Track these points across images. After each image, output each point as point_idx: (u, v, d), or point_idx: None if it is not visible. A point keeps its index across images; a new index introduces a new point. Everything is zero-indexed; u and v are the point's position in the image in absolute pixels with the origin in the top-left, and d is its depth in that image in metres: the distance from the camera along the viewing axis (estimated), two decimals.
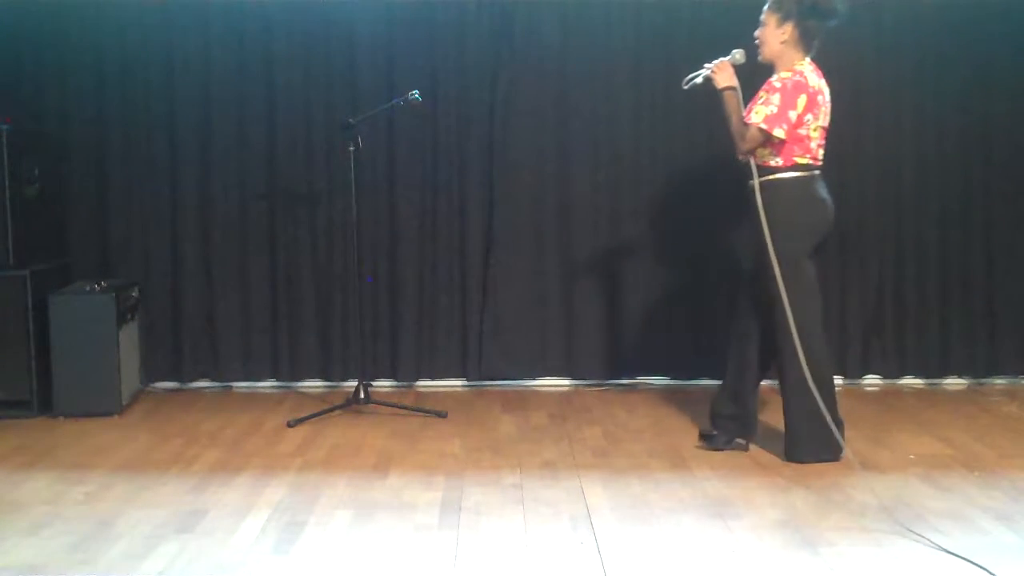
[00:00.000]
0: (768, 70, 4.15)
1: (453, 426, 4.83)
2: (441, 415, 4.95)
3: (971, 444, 4.44)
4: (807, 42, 4.08)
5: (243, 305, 5.58)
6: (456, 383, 5.67)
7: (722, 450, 4.29)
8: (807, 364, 3.96)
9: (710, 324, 5.44)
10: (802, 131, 4.03)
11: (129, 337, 5.21)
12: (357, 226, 5.02)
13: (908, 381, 5.65)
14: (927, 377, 5.63)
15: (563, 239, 5.61)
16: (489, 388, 5.64)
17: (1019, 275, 5.60)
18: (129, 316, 5.22)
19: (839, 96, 5.37)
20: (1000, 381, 5.62)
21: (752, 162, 4.07)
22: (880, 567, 3.14)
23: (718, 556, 3.23)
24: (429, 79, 5.42)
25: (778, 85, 4.03)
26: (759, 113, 4.01)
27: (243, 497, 3.81)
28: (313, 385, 5.64)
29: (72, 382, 4.97)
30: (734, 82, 4.10)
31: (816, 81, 4.06)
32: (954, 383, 5.64)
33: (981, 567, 3.08)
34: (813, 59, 4.11)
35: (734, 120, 4.08)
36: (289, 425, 4.79)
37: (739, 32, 4.23)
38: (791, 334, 3.97)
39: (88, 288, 5.09)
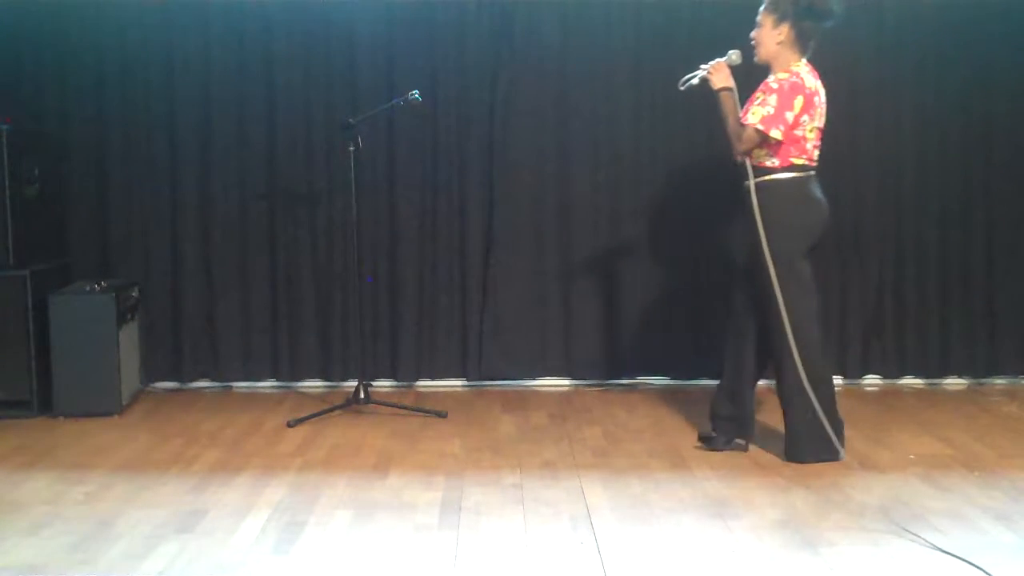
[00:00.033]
0: (764, 71, 4.15)
1: (453, 426, 4.83)
2: (441, 415, 4.95)
3: (971, 444, 4.44)
4: (803, 43, 4.08)
5: (243, 305, 5.58)
6: (456, 383, 5.67)
7: (721, 451, 4.29)
8: (802, 365, 3.96)
9: (710, 324, 5.44)
10: (798, 132, 4.03)
11: (129, 337, 5.21)
12: (357, 226, 5.02)
13: (908, 381, 5.65)
14: (927, 377, 5.63)
15: (563, 239, 5.61)
16: (489, 388, 5.64)
17: (1019, 275, 5.60)
18: (129, 316, 5.22)
19: (839, 96, 5.38)
20: (1000, 381, 5.62)
21: (748, 163, 4.07)
22: (880, 567, 3.14)
23: (718, 556, 3.23)
24: (429, 79, 5.42)
25: (775, 86, 4.04)
26: (756, 114, 4.02)
27: (243, 497, 3.81)
28: (313, 385, 5.64)
29: (72, 382, 4.97)
30: (730, 83, 4.10)
31: (813, 82, 4.06)
32: (954, 383, 5.64)
33: (977, 567, 3.08)
34: (809, 60, 4.11)
35: (731, 121, 4.08)
36: (289, 425, 4.79)
37: (739, 32, 4.22)
38: (786, 335, 3.98)
39: (88, 288, 5.09)
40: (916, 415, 4.99)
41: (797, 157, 4.06)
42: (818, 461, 4.05)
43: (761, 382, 4.40)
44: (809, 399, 3.94)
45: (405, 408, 5.03)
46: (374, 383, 5.39)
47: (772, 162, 4.07)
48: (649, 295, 5.59)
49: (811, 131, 4.07)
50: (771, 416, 4.52)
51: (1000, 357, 5.61)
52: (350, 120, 4.89)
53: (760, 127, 3.99)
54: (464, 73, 5.53)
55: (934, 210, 5.59)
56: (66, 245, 5.49)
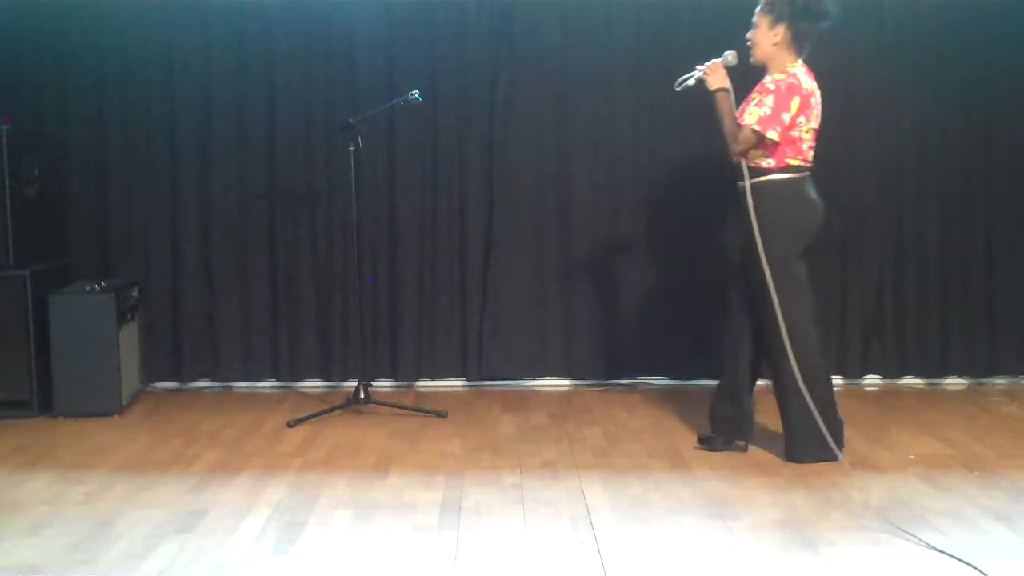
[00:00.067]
0: (760, 72, 4.15)
1: (453, 426, 4.83)
2: (441, 415, 4.95)
3: (971, 444, 4.44)
4: (799, 44, 4.08)
5: (243, 305, 5.58)
6: (456, 383, 5.67)
7: (721, 451, 4.29)
8: (797, 366, 3.96)
9: (710, 324, 5.43)
10: (794, 133, 4.03)
11: (129, 337, 5.21)
12: (357, 226, 5.02)
13: (908, 381, 5.65)
14: (927, 377, 5.63)
15: (563, 239, 5.61)
16: (489, 388, 5.64)
17: (1019, 275, 5.60)
18: (129, 316, 5.22)
19: (840, 97, 5.41)
20: (1000, 381, 5.62)
21: (743, 163, 4.08)
22: (880, 567, 3.14)
23: (718, 556, 3.23)
24: (429, 79, 5.42)
25: (772, 87, 4.04)
26: (752, 115, 4.02)
27: (243, 497, 3.81)
28: (313, 385, 5.64)
29: (72, 382, 4.97)
30: (726, 84, 4.10)
31: (809, 83, 4.07)
32: (954, 383, 5.64)
33: (972, 566, 3.08)
34: (806, 61, 4.11)
35: (727, 121, 4.08)
36: (289, 425, 4.79)
37: (738, 32, 4.22)
38: (781, 336, 3.98)
39: (88, 288, 5.09)
40: (916, 415, 4.99)
41: (793, 158, 4.07)
42: (817, 461, 4.05)
43: (760, 382, 4.40)
44: (804, 400, 3.94)
45: (405, 408, 5.03)
46: (374, 383, 5.39)
47: (768, 163, 4.07)
48: (649, 295, 5.59)
49: (807, 132, 4.07)
50: (771, 416, 4.51)
51: (1000, 357, 5.61)
52: (350, 120, 4.89)
53: (757, 127, 4.00)
54: (464, 73, 5.53)
55: (934, 210, 5.59)
56: (66, 245, 5.49)
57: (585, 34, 5.52)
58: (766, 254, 3.99)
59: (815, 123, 4.10)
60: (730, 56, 4.14)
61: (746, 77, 4.19)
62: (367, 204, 5.36)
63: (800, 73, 4.06)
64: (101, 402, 5.00)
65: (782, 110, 3.99)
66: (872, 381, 5.66)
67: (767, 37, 4.08)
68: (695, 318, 5.54)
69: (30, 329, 4.96)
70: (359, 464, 4.23)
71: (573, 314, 5.63)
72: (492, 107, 5.54)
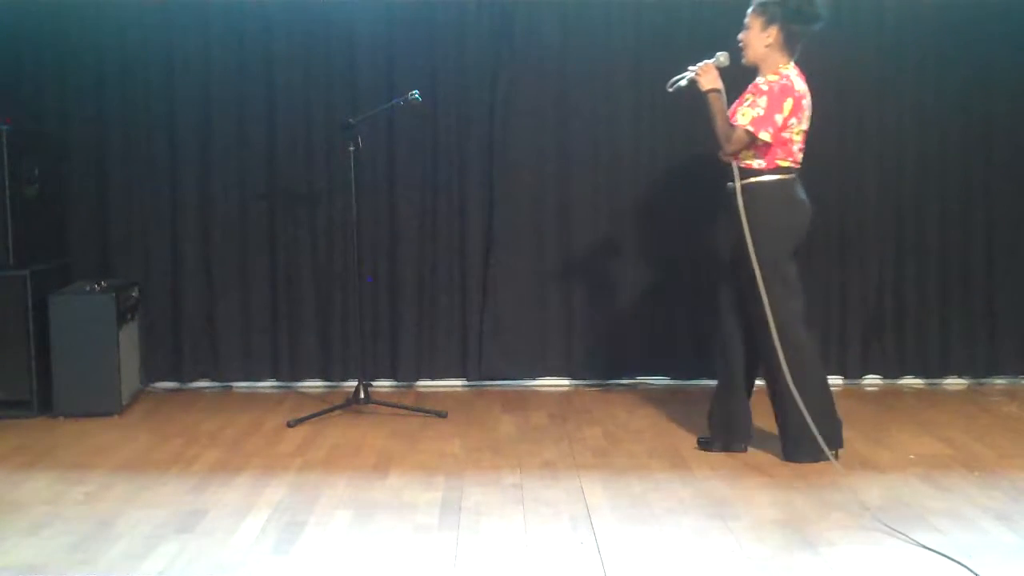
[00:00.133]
0: (751, 72, 4.16)
1: (453, 426, 4.83)
2: (441, 415, 4.95)
3: (971, 444, 4.44)
4: (791, 46, 4.09)
5: (243, 305, 5.58)
6: (456, 383, 5.67)
7: (720, 452, 4.29)
8: (788, 367, 3.97)
9: (710, 324, 5.42)
10: (786, 134, 4.04)
11: (129, 337, 5.21)
12: (357, 226, 5.03)
13: (908, 381, 5.65)
14: (927, 377, 5.63)
15: (563, 239, 5.61)
16: (489, 388, 5.64)
17: (1019, 275, 5.60)
18: (129, 316, 5.22)
19: (840, 97, 5.44)
20: (1000, 381, 5.62)
21: (734, 164, 4.08)
22: (880, 566, 3.14)
23: (718, 556, 3.23)
24: (429, 79, 5.42)
25: (765, 88, 4.05)
26: (745, 115, 4.03)
27: (243, 497, 3.81)
28: (313, 385, 5.64)
29: (72, 382, 4.97)
30: (719, 84, 4.10)
31: (801, 85, 4.08)
32: (954, 383, 5.64)
33: (965, 566, 3.08)
34: (796, 62, 4.12)
35: (719, 122, 4.08)
36: (289, 425, 4.79)
37: (739, 33, 4.22)
38: (772, 337, 3.98)
39: (88, 288, 5.09)
40: (916, 415, 4.99)
41: (783, 159, 4.08)
42: (816, 461, 4.04)
43: (759, 382, 4.39)
44: (795, 401, 3.95)
45: (405, 408, 5.03)
46: (374, 383, 5.39)
47: (759, 163, 4.08)
48: (649, 295, 5.59)
49: (797, 134, 4.09)
50: (770, 417, 4.50)
51: (1000, 357, 5.61)
52: (350, 120, 4.89)
53: (750, 128, 4.01)
54: (464, 73, 5.53)
55: (934, 210, 5.59)
56: (66, 245, 5.49)
57: (585, 34, 5.52)
58: (756, 255, 4.00)
59: (805, 125, 4.11)
60: (722, 57, 4.15)
61: (737, 78, 4.19)
62: (367, 204, 5.36)
63: (793, 75, 4.08)
64: (101, 402, 5.00)
65: (775, 111, 4.00)
66: (872, 381, 5.66)
67: (759, 39, 4.09)
68: (695, 318, 5.54)
69: (30, 329, 4.96)
70: (359, 464, 4.23)
71: (573, 314, 5.63)
72: (492, 107, 5.54)
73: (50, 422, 4.94)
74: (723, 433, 4.32)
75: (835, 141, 5.50)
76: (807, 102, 4.09)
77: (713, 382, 4.54)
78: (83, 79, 5.48)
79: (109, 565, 3.18)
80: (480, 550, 3.29)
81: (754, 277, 4.01)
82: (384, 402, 5.06)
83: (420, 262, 5.59)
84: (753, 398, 4.36)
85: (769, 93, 4.02)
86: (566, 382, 5.69)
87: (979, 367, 5.61)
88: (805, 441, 4.03)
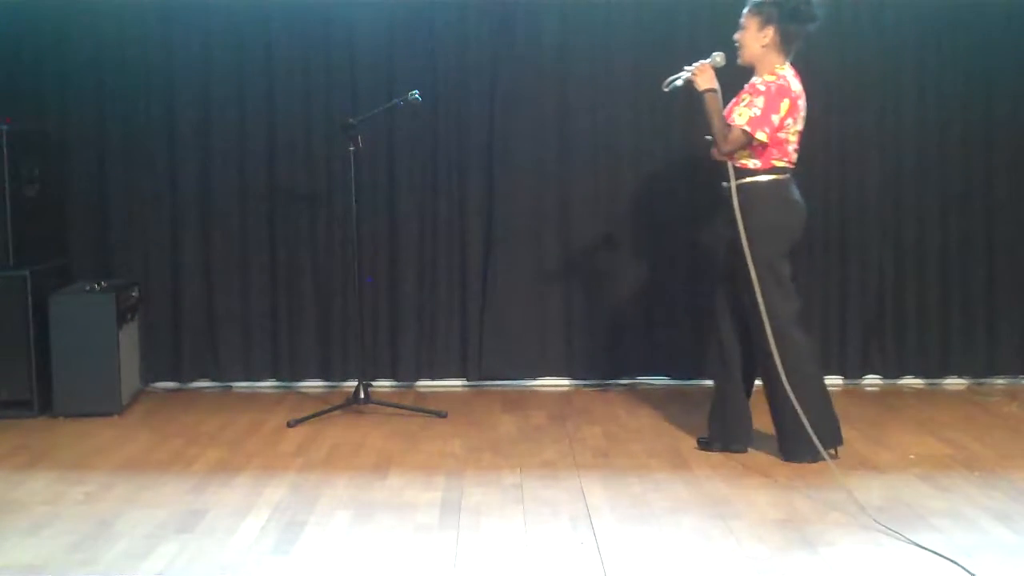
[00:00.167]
0: (747, 72, 4.16)
1: (453, 426, 4.83)
2: (441, 415, 4.95)
3: (971, 444, 4.44)
4: (788, 46, 4.10)
5: (243, 305, 5.58)
6: (456, 383, 5.67)
7: (720, 452, 4.29)
8: (783, 367, 3.97)
9: (709, 324, 5.43)
10: (782, 135, 4.05)
11: (129, 337, 5.21)
12: (357, 226, 5.03)
13: (908, 381, 5.65)
14: (927, 377, 5.63)
15: (563, 239, 5.61)
16: (489, 388, 5.63)
17: (1019, 275, 5.59)
18: (129, 316, 5.22)
19: (840, 96, 5.44)
20: (1000, 381, 5.62)
21: (729, 164, 4.08)
22: (879, 566, 3.14)
23: (718, 556, 3.23)
24: (429, 79, 5.41)
25: (762, 88, 4.05)
26: (742, 115, 4.03)
27: (243, 497, 3.81)
28: (313, 385, 5.64)
29: (72, 382, 4.97)
30: (714, 84, 4.10)
31: (797, 86, 4.10)
32: (954, 383, 5.63)
33: (961, 566, 3.08)
34: (792, 63, 4.13)
35: (716, 122, 4.08)
36: (289, 425, 4.79)
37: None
38: (767, 338, 3.99)
39: (88, 288, 5.09)
40: (916, 415, 4.99)
41: (778, 159, 4.09)
42: (814, 461, 4.04)
43: (757, 382, 4.39)
44: (791, 401, 3.95)
45: (405, 408, 5.03)
46: (374, 383, 5.39)
47: (754, 163, 4.08)
48: (649, 295, 5.58)
49: (793, 134, 4.10)
50: (769, 417, 4.51)
51: (1000, 357, 5.61)
52: (350, 120, 4.89)
53: (747, 128, 4.01)
54: (464, 73, 5.53)
55: (934, 210, 5.58)
56: (66, 245, 5.49)
57: (585, 34, 5.52)
58: (752, 256, 4.00)
59: (800, 125, 4.13)
60: (718, 57, 4.14)
61: (733, 78, 4.19)
62: (367, 204, 5.36)
63: (789, 75, 4.09)
64: (101, 402, 5.00)
65: (772, 112, 4.01)
66: (872, 381, 5.66)
67: (756, 39, 4.10)
68: (695, 318, 5.53)
69: (30, 329, 4.96)
70: (359, 464, 4.23)
71: (573, 314, 5.63)
72: (492, 107, 5.54)
73: (50, 422, 4.94)
74: (723, 433, 4.32)
75: (835, 141, 5.50)
76: (803, 103, 4.11)
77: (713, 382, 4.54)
78: (83, 79, 5.48)
79: (109, 565, 3.19)
80: (480, 550, 3.29)
81: (749, 277, 4.01)
82: (384, 402, 5.06)
83: (420, 262, 5.59)
84: (752, 398, 4.36)
85: (766, 93, 4.03)
86: (566, 382, 5.69)
87: (979, 367, 5.61)
88: (803, 441, 4.03)
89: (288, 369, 5.60)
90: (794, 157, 4.14)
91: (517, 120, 5.54)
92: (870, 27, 5.49)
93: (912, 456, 4.27)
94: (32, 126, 5.29)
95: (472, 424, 4.88)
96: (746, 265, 4.01)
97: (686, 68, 4.16)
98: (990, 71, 5.52)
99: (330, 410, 4.97)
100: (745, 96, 4.11)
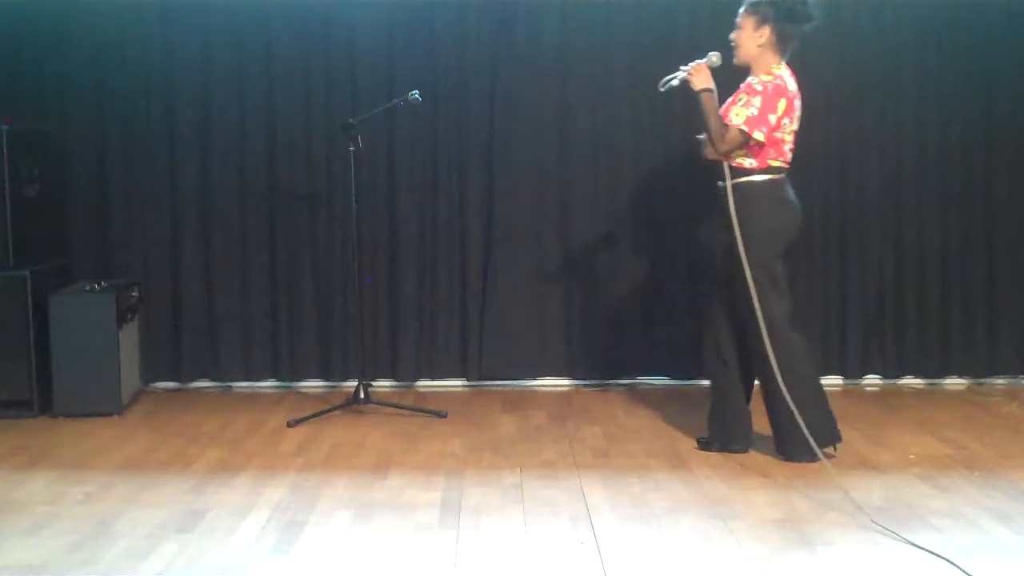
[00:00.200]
0: (743, 72, 4.16)
1: (453, 426, 4.83)
2: (441, 415, 4.95)
3: (971, 444, 4.44)
4: (784, 46, 4.11)
5: (243, 305, 5.57)
6: (456, 383, 5.67)
7: (719, 452, 4.29)
8: (778, 367, 3.97)
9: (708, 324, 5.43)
10: (778, 134, 4.06)
11: (129, 337, 5.21)
12: (357, 226, 5.03)
13: (908, 381, 5.65)
14: (927, 377, 5.63)
15: (563, 239, 5.61)
16: (489, 388, 5.63)
17: (1019, 275, 5.59)
18: (129, 316, 5.22)
19: (840, 96, 5.44)
20: (1000, 381, 5.62)
21: (725, 163, 4.08)
22: (879, 566, 3.14)
23: (718, 556, 3.23)
24: (429, 79, 5.41)
25: (759, 88, 4.05)
26: (740, 115, 4.03)
27: (243, 497, 3.81)
28: (313, 385, 5.64)
29: (72, 382, 4.97)
30: (711, 84, 4.10)
31: (793, 85, 4.11)
32: (954, 383, 5.63)
33: (958, 566, 3.08)
34: (788, 62, 4.13)
35: (712, 121, 4.08)
36: (289, 425, 4.79)
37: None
38: (762, 337, 3.99)
39: (88, 288, 5.09)
40: (916, 415, 4.99)
41: (774, 159, 4.09)
42: (812, 460, 4.03)
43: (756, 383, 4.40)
44: (787, 402, 3.95)
45: (405, 408, 5.03)
46: (374, 383, 5.38)
47: (750, 163, 4.09)
48: (649, 295, 5.58)
49: (789, 134, 4.11)
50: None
51: (1000, 357, 5.60)
52: (350, 120, 4.89)
53: (744, 128, 4.01)
54: (464, 73, 5.53)
55: (934, 210, 5.58)
56: (66, 245, 5.49)
57: (585, 34, 5.52)
58: (747, 256, 4.00)
59: (796, 125, 4.14)
60: (714, 57, 4.14)
61: (728, 78, 4.19)
62: (367, 204, 5.36)
63: (785, 75, 4.10)
64: (101, 402, 4.99)
65: (769, 111, 4.01)
66: (872, 381, 5.66)
67: (752, 38, 4.10)
68: (695, 318, 5.52)
69: (30, 329, 4.96)
70: (359, 464, 4.24)
71: (573, 314, 5.63)
72: (492, 107, 5.54)
73: (50, 422, 4.94)
74: (722, 433, 4.32)
75: (835, 141, 5.50)
76: (798, 102, 4.12)
77: None
78: (83, 79, 5.48)
79: (109, 565, 3.19)
80: (480, 550, 3.29)
81: (745, 277, 4.01)
82: (384, 402, 5.06)
83: (420, 262, 5.59)
84: (752, 400, 4.36)
85: (763, 93, 4.03)
86: (566, 382, 5.69)
87: (979, 367, 5.60)
88: (800, 440, 4.03)
89: (288, 369, 5.61)
90: (789, 157, 4.15)
91: (517, 120, 5.54)
92: (870, 27, 5.50)
93: (912, 456, 4.27)
94: (32, 126, 5.29)
95: (472, 424, 4.88)
96: (741, 265, 4.01)
97: (682, 68, 4.16)
98: (990, 71, 5.53)
99: (330, 410, 4.97)
100: (742, 96, 4.11)
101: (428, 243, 5.59)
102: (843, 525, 3.47)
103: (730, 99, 4.16)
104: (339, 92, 5.50)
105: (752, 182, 4.08)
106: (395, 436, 4.64)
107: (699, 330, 5.44)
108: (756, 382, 4.34)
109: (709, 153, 4.19)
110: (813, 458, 4.01)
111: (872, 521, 3.45)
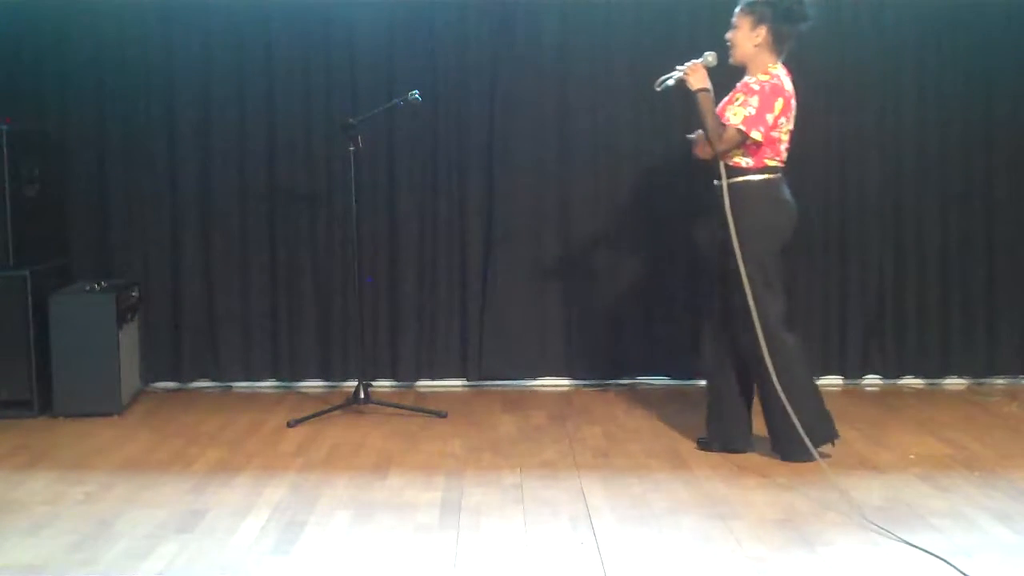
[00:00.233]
0: (739, 72, 4.16)
1: (453, 426, 4.83)
2: (441, 415, 4.95)
3: (971, 444, 4.44)
4: (780, 46, 4.11)
5: (243, 305, 5.58)
6: (456, 383, 5.67)
7: (719, 453, 4.29)
8: (773, 367, 3.97)
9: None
10: (775, 134, 4.06)
11: (129, 337, 5.21)
12: (357, 226, 5.03)
13: (908, 381, 5.65)
14: (927, 377, 5.63)
15: (563, 239, 5.61)
16: (489, 388, 5.63)
17: (1019, 275, 5.59)
18: (129, 316, 5.22)
19: (840, 96, 5.44)
20: (1000, 381, 5.62)
21: (721, 163, 4.08)
22: (878, 566, 3.14)
23: (718, 556, 3.23)
24: (429, 79, 5.41)
25: (756, 87, 4.05)
26: (737, 115, 4.03)
27: (243, 497, 3.81)
28: (313, 385, 5.64)
29: (72, 382, 4.97)
30: (707, 84, 4.10)
31: (789, 85, 4.11)
32: (954, 383, 5.63)
33: (955, 567, 3.08)
34: (784, 62, 4.14)
35: (709, 121, 4.08)
36: (289, 425, 4.79)
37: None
38: (757, 337, 3.99)
39: (88, 288, 5.10)
40: (916, 415, 4.99)
41: (771, 159, 4.09)
42: (812, 460, 4.03)
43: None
44: (783, 402, 3.95)
45: (405, 408, 5.03)
46: (374, 383, 5.39)
47: (747, 162, 4.09)
48: (649, 295, 5.58)
49: (785, 133, 4.12)
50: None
51: (1000, 357, 5.60)
52: (350, 120, 4.89)
53: (742, 127, 4.02)
54: (464, 73, 5.53)
55: (934, 210, 5.58)
56: (66, 245, 5.49)
57: (585, 34, 5.52)
58: (743, 255, 4.00)
59: (792, 125, 4.14)
60: (710, 57, 4.15)
61: (724, 77, 4.19)
62: (367, 204, 5.36)
63: (782, 75, 4.10)
64: (101, 402, 4.99)
65: (766, 111, 4.01)
66: (872, 381, 5.66)
67: (748, 38, 4.11)
68: (695, 318, 5.52)
69: (30, 329, 4.96)
70: (359, 464, 4.24)
71: (573, 314, 5.63)
72: (492, 107, 5.54)
73: (50, 422, 4.94)
74: (721, 433, 4.32)
75: (835, 141, 5.50)
76: (794, 102, 4.12)
77: None
78: (83, 79, 5.48)
79: (109, 565, 3.19)
80: (480, 550, 3.29)
81: (741, 277, 4.01)
82: (384, 402, 5.06)
83: (420, 262, 5.59)
84: (749, 398, 4.36)
85: (760, 92, 4.03)
86: (566, 382, 5.69)
87: (979, 367, 5.60)
88: (797, 440, 4.03)
89: (288, 369, 5.61)
90: (785, 156, 4.15)
91: (517, 120, 5.55)
92: (870, 27, 5.50)
93: (912, 456, 4.27)
94: (32, 126, 5.29)
95: (472, 424, 4.88)
96: (737, 265, 4.01)
97: (678, 68, 4.16)
98: (990, 71, 5.53)
99: (330, 410, 4.97)
100: (739, 95, 4.11)
101: (428, 243, 5.59)
102: (842, 525, 3.47)
103: (726, 99, 4.16)
104: (339, 92, 5.50)
105: (749, 181, 4.08)
106: (395, 436, 4.64)
107: (698, 330, 5.47)
108: (748, 382, 4.35)
109: (701, 151, 4.19)
110: (810, 458, 4.01)
111: (871, 522, 3.44)
